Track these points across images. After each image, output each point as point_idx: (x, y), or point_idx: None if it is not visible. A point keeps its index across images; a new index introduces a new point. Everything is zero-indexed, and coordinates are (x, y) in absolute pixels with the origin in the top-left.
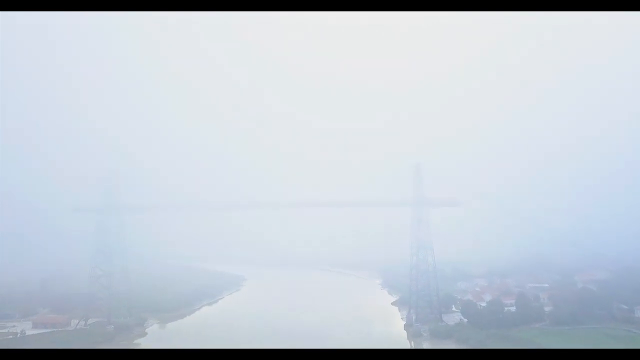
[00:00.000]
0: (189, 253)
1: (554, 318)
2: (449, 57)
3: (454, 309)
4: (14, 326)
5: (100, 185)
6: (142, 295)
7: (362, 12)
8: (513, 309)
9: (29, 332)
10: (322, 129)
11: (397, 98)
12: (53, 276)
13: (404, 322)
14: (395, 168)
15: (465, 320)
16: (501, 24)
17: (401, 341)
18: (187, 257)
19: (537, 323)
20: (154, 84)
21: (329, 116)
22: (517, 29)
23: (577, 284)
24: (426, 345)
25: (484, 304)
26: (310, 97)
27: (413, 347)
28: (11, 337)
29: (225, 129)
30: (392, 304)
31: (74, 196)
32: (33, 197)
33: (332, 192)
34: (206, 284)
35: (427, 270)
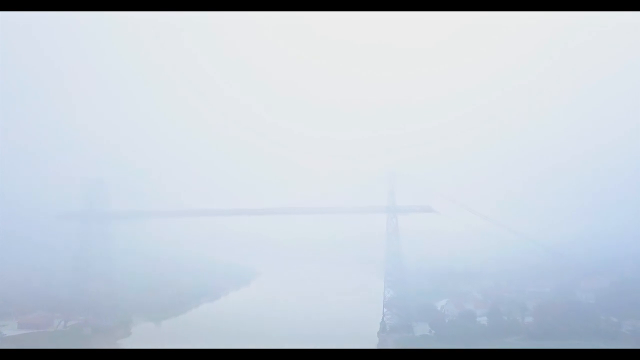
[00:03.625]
0: (189, 253)
1: (530, 332)
2: (454, 69)
3: None
4: (4, 325)
5: (82, 192)
6: (133, 297)
7: (358, 25)
8: (485, 319)
9: (10, 333)
10: (315, 138)
11: (402, 111)
12: (56, 276)
13: (378, 329)
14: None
15: (433, 332)
16: (502, 40)
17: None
18: (188, 257)
19: (511, 337)
20: (145, 91)
21: (321, 126)
22: (522, 44)
23: (576, 292)
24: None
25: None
26: (301, 108)
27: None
28: None
29: (216, 137)
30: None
31: (70, 201)
32: (34, 201)
33: (326, 197)
34: (207, 281)
35: (401, 278)
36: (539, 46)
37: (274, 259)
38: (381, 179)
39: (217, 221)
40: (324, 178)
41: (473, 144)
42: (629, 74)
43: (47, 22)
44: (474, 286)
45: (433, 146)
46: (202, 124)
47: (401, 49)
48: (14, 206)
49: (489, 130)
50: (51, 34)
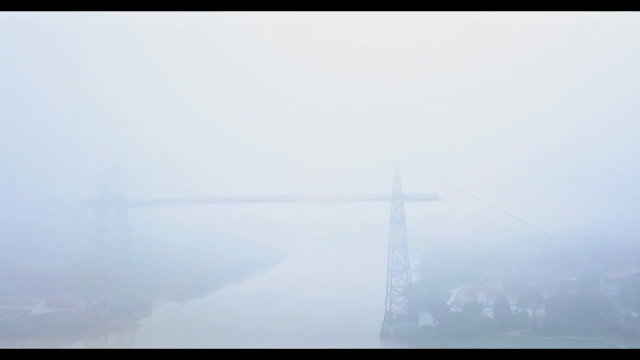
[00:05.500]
0: (213, 239)
1: (537, 326)
2: (454, 59)
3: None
4: (35, 304)
5: (100, 180)
6: (153, 280)
7: (359, 23)
8: (491, 311)
9: (37, 312)
10: (321, 126)
11: (400, 100)
12: (80, 261)
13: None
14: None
15: (437, 323)
16: (502, 28)
17: (364, 340)
18: (212, 243)
19: (517, 330)
20: (157, 84)
21: (332, 119)
22: (520, 34)
23: (601, 283)
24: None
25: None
26: (310, 95)
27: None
28: (18, 316)
29: (225, 127)
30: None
31: (91, 190)
32: (56, 190)
33: (329, 186)
34: (229, 266)
35: (406, 267)
36: (539, 43)
37: (298, 243)
38: (388, 169)
39: (241, 209)
40: (332, 168)
41: (482, 137)
42: (629, 65)
43: (62, 21)
44: (498, 272)
45: (440, 138)
46: (219, 117)
47: (405, 45)
48: (37, 198)
49: (498, 123)
50: (67, 32)
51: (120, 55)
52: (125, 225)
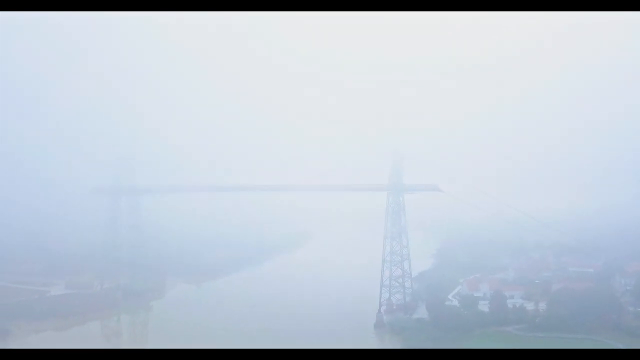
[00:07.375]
0: (230, 227)
1: (535, 322)
2: (450, 51)
3: (450, 297)
4: (55, 284)
5: (113, 168)
6: (171, 263)
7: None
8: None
9: (55, 293)
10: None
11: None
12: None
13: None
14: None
15: (432, 315)
16: (499, 23)
17: (361, 330)
18: (229, 231)
19: (512, 326)
20: (169, 72)
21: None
22: (516, 28)
23: (616, 276)
24: (371, 336)
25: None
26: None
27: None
28: (37, 296)
29: (238, 117)
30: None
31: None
32: (73, 181)
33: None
34: (253, 246)
35: (404, 257)
36: (538, 36)
37: (319, 229)
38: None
39: (257, 196)
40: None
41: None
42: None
43: (74, 18)
44: (517, 261)
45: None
46: (231, 106)
47: (408, 37)
48: (55, 189)
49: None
50: (79, 22)
51: (130, 45)
52: (138, 213)
